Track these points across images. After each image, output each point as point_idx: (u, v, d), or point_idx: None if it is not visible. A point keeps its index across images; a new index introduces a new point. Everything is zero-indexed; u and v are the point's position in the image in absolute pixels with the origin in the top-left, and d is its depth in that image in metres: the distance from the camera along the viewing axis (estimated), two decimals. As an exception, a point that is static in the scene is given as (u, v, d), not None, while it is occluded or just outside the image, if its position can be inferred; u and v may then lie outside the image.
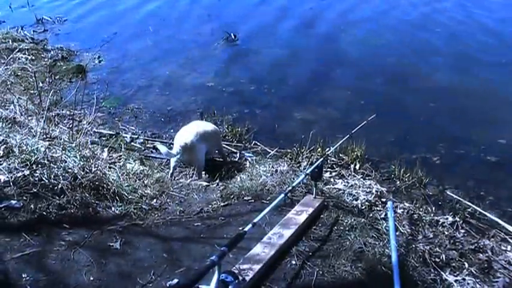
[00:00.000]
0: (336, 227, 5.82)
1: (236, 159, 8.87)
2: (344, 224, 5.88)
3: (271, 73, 12.51)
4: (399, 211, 6.53)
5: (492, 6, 17.04)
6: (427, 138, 9.41)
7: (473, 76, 11.84)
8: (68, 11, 17.78)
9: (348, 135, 7.13)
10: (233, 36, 14.51)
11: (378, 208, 6.56)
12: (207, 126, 8.58)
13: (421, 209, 6.75)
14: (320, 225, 5.84)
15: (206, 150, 8.21)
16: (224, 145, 8.99)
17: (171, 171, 8.19)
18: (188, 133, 8.09)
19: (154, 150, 8.92)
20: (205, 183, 7.43)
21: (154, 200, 6.61)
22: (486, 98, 10.79)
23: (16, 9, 17.81)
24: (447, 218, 6.48)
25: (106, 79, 12.27)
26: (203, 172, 8.26)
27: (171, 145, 8.50)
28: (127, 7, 18.12)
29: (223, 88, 11.64)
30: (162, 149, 8.01)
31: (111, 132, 9.42)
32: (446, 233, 6.11)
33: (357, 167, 8.01)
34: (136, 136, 9.33)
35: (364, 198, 6.74)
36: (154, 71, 12.76)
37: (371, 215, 6.33)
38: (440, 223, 6.36)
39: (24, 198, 5.58)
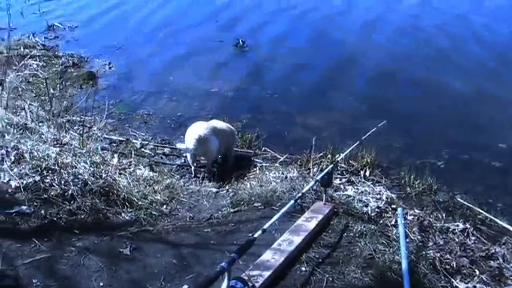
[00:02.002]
0: (345, 234, 5.82)
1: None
2: (354, 230, 5.88)
3: (280, 79, 12.53)
4: (409, 218, 6.50)
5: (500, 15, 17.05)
6: (437, 144, 9.39)
7: (481, 82, 11.83)
8: (79, 18, 17.85)
9: (358, 142, 7.13)
10: (242, 43, 14.54)
11: (388, 215, 6.53)
12: (218, 122, 8.67)
13: (431, 216, 6.72)
14: (330, 231, 5.84)
15: (218, 145, 8.24)
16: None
17: (192, 168, 8.34)
18: (200, 126, 8.19)
19: (176, 149, 8.98)
20: (215, 189, 7.44)
21: (164, 206, 6.63)
22: (492, 104, 10.82)
23: (27, 16, 17.88)
24: (458, 225, 6.44)
25: (116, 85, 12.33)
26: (214, 169, 8.41)
27: (181, 151, 8.57)
28: (138, 14, 18.21)
29: (232, 94, 11.66)
30: (182, 145, 8.28)
31: (121, 138, 9.43)
32: (456, 239, 6.08)
33: (367, 173, 7.97)
34: (147, 142, 9.33)
35: (374, 205, 6.71)
36: (164, 78, 12.78)
37: (381, 221, 6.32)
38: (450, 230, 6.32)
39: (35, 204, 5.61)
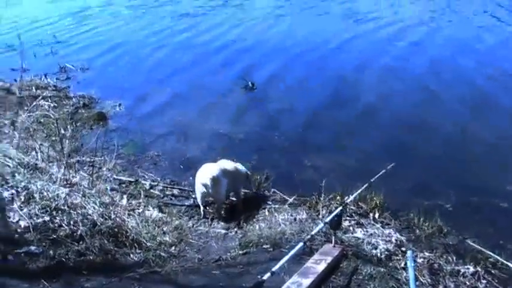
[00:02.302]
0: (355, 277, 5.78)
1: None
2: (363, 273, 5.84)
3: (289, 121, 12.58)
4: (419, 260, 6.46)
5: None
6: (446, 186, 9.33)
7: (491, 126, 11.81)
8: (90, 59, 18.08)
9: (367, 184, 7.12)
10: (251, 85, 14.63)
11: (398, 257, 6.50)
12: (228, 163, 8.67)
13: (441, 259, 6.67)
14: (339, 274, 5.81)
15: (227, 186, 8.27)
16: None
17: (201, 208, 8.33)
18: (211, 168, 8.23)
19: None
20: (223, 231, 7.43)
21: (173, 248, 6.62)
22: (501, 147, 10.79)
23: (40, 57, 18.17)
24: (468, 268, 6.39)
25: (126, 126, 12.41)
26: (222, 211, 8.39)
27: (190, 192, 8.58)
28: (149, 57, 18.41)
29: (241, 136, 11.69)
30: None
31: (130, 179, 9.46)
32: (467, 283, 6.04)
33: (376, 215, 7.93)
34: (156, 183, 9.36)
35: (383, 247, 6.68)
36: (173, 119, 12.86)
37: (390, 264, 6.28)
38: (461, 273, 6.27)
39: (44, 244, 5.61)
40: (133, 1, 29.93)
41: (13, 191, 6.34)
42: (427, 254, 6.76)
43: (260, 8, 26.79)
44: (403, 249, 6.73)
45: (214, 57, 18.09)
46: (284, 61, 17.24)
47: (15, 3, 25.94)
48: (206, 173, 8.09)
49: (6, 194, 6.29)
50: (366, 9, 25.24)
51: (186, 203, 8.75)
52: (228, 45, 19.70)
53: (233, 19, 24.36)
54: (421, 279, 5.96)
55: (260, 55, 18.14)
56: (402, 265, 6.21)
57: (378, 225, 7.50)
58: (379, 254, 6.51)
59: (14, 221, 5.85)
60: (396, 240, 6.96)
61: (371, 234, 7.09)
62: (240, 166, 8.75)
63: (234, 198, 8.84)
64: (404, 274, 5.92)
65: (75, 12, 27.31)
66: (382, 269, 5.98)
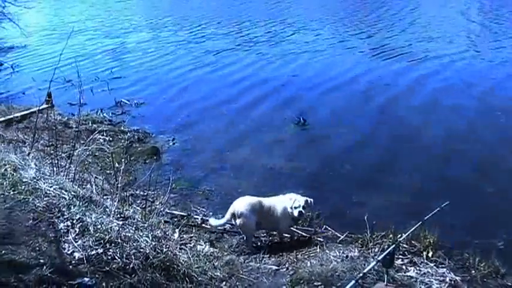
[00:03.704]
0: (408, 317, 5.67)
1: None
2: (417, 313, 5.73)
3: (340, 157, 12.55)
4: (475, 302, 6.31)
5: None
6: (503, 225, 9.12)
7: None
8: (145, 94, 18.49)
9: (420, 222, 6.99)
10: (303, 121, 14.67)
11: (452, 298, 6.35)
12: (269, 200, 8.67)
13: (497, 301, 6.50)
14: (392, 314, 5.70)
15: (255, 221, 8.40)
16: (294, 229, 8.89)
17: (249, 242, 8.51)
18: (242, 202, 8.48)
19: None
20: (274, 267, 7.39)
21: (224, 283, 6.61)
22: None
23: (97, 92, 18.60)
24: (526, 312, 6.21)
25: (179, 161, 12.58)
26: (253, 243, 8.56)
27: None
28: (202, 92, 18.67)
29: (293, 172, 11.72)
30: (213, 222, 8.76)
31: (182, 213, 9.54)
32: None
33: (430, 254, 7.78)
34: (208, 218, 9.40)
35: (437, 287, 6.55)
36: (225, 154, 12.99)
37: (445, 305, 6.14)
38: (518, 316, 6.10)
39: (97, 276, 5.66)
40: (180, 37, 30.47)
41: (68, 223, 6.44)
42: (482, 295, 6.60)
43: (305, 43, 27.02)
44: (458, 290, 6.59)
45: (265, 92, 18.27)
46: (334, 97, 17.30)
47: (73, 42, 26.62)
48: (235, 205, 8.43)
49: (61, 225, 6.40)
50: (414, 46, 25.19)
51: (238, 238, 8.77)
52: (279, 80, 19.87)
53: (281, 54, 24.56)
54: (477, 322, 5.81)
55: (310, 91, 18.23)
56: (457, 306, 6.07)
57: (432, 264, 7.37)
58: (432, 294, 6.38)
59: (69, 252, 5.93)
60: (450, 280, 6.82)
61: (424, 273, 6.97)
62: (284, 204, 8.57)
63: (286, 234, 8.82)
64: (459, 315, 5.78)
65: (129, 48, 27.94)
66: (436, 310, 5.86)
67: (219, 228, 8.87)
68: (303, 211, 8.37)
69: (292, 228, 8.78)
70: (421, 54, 22.96)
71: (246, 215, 8.29)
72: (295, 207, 8.33)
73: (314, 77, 20.10)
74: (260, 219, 8.43)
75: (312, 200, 8.52)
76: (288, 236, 8.77)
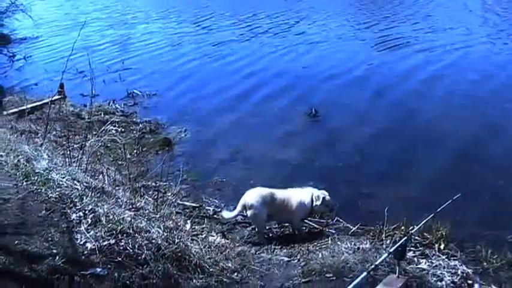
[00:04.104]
0: (419, 309, 5.65)
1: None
2: (428, 305, 5.71)
3: (352, 149, 12.52)
4: (487, 294, 6.27)
5: None
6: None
7: None
8: (157, 85, 18.51)
9: (432, 214, 6.96)
10: (314, 112, 14.62)
11: (464, 291, 6.32)
12: (282, 192, 8.66)
13: (510, 293, 6.46)
14: (403, 306, 5.69)
15: (268, 215, 8.42)
16: (307, 221, 8.89)
17: (260, 234, 8.52)
18: (253, 193, 8.46)
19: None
20: (286, 258, 7.38)
21: (236, 274, 6.60)
22: None
23: (109, 83, 18.65)
24: (539, 304, 6.17)
25: (191, 152, 12.58)
26: (264, 235, 8.57)
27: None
28: (214, 83, 18.63)
29: (305, 163, 11.70)
30: (225, 215, 8.74)
31: (194, 205, 9.55)
32: (537, 320, 5.81)
33: (442, 246, 7.73)
34: (220, 209, 9.41)
35: (449, 280, 6.51)
36: (237, 145, 12.99)
37: (457, 297, 6.12)
38: (531, 310, 6.06)
39: (109, 266, 5.68)
40: (191, 28, 30.46)
41: (80, 214, 6.46)
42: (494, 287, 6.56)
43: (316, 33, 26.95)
44: (470, 282, 6.54)
45: (276, 84, 18.22)
46: (348, 89, 17.22)
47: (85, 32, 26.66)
48: (246, 197, 8.43)
49: (74, 216, 6.42)
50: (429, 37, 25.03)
51: (249, 229, 8.78)
52: (290, 71, 19.84)
53: (292, 45, 24.49)
54: (489, 314, 5.78)
55: (322, 82, 18.15)
56: (469, 299, 6.04)
57: (444, 257, 7.31)
58: (444, 287, 6.35)
59: (81, 243, 5.96)
60: (462, 272, 6.77)
61: (436, 265, 6.92)
62: (301, 197, 8.58)
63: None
64: (471, 308, 5.75)
65: (140, 39, 28.00)
66: (448, 302, 5.83)
67: (231, 220, 8.88)
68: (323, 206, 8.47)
69: (305, 220, 8.80)
70: (437, 46, 22.78)
71: (256, 206, 8.29)
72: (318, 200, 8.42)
73: (326, 69, 20.02)
74: (271, 211, 8.42)
75: (329, 197, 8.53)
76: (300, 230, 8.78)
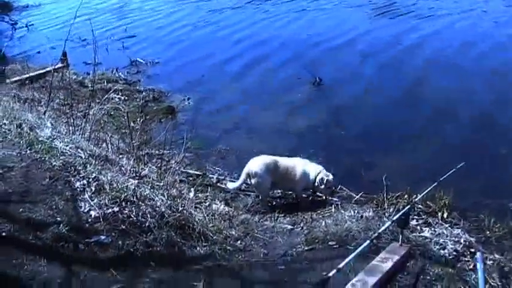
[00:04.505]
0: (422, 276, 5.69)
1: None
2: (430, 273, 5.74)
3: (357, 118, 12.48)
4: (489, 262, 6.28)
5: None
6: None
7: None
8: (160, 53, 18.41)
9: (436, 183, 6.96)
10: (319, 80, 14.53)
11: (466, 259, 6.33)
12: (286, 160, 8.74)
13: (512, 262, 6.47)
14: (406, 273, 5.72)
15: (272, 182, 8.52)
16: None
17: (263, 200, 8.62)
18: (257, 161, 8.54)
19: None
20: (289, 226, 7.42)
21: (239, 242, 6.64)
22: None
23: (112, 51, 18.53)
24: (541, 272, 6.18)
25: (194, 120, 12.56)
26: (268, 203, 8.64)
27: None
28: (218, 52, 18.49)
29: (308, 132, 11.67)
30: (230, 185, 8.81)
31: (198, 173, 9.56)
32: (540, 287, 5.83)
33: (445, 215, 7.74)
34: (223, 177, 9.43)
35: (451, 248, 6.53)
36: (240, 113, 12.97)
37: (459, 265, 6.14)
38: (533, 277, 6.07)
39: (113, 234, 5.72)
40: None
41: (84, 182, 6.49)
42: (497, 256, 6.55)
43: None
44: (472, 250, 6.56)
45: (278, 52, 18.02)
46: (351, 57, 17.03)
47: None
48: (250, 165, 8.50)
49: (78, 184, 6.45)
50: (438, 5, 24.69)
51: (253, 196, 8.81)
52: (292, 39, 19.58)
53: (290, 13, 24.15)
54: (491, 282, 5.80)
55: (327, 50, 17.95)
56: (471, 267, 6.06)
57: (446, 225, 7.33)
58: (447, 255, 6.37)
59: (85, 210, 5.99)
60: (465, 241, 6.78)
61: (439, 234, 6.94)
62: (305, 168, 8.65)
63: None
64: (473, 276, 5.77)
65: (142, 6, 27.74)
66: (450, 270, 5.86)
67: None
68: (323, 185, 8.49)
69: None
70: (447, 14, 22.39)
71: (260, 174, 8.33)
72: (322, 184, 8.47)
73: (331, 37, 19.52)
74: (275, 179, 8.46)
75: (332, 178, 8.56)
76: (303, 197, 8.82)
